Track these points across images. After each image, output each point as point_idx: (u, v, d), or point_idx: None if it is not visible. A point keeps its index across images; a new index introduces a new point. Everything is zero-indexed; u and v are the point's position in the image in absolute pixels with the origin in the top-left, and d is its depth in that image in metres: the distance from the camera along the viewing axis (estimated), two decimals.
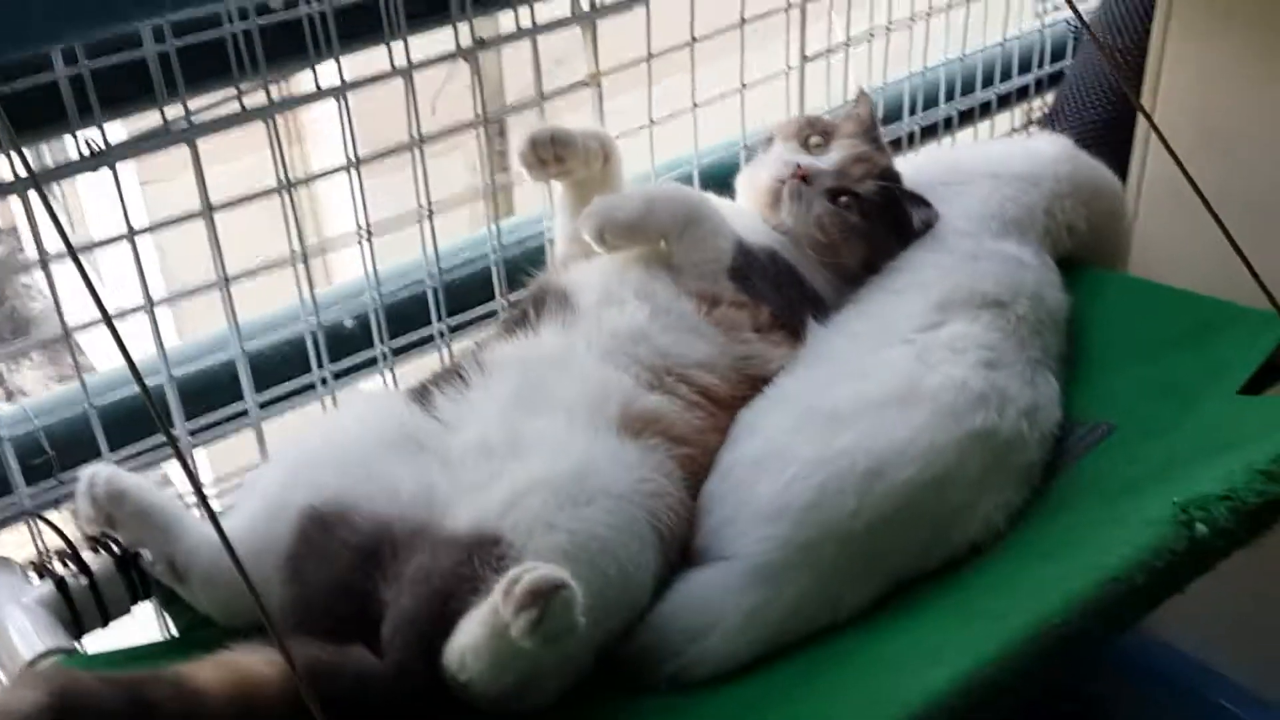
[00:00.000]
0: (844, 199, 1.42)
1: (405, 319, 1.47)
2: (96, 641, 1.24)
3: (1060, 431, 1.32)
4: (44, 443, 1.28)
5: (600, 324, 1.27)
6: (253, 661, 1.03)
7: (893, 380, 1.25)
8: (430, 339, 1.48)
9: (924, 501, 1.17)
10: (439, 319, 1.47)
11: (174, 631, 1.24)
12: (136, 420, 1.31)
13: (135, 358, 1.28)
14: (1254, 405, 1.29)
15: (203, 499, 1.00)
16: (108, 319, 0.97)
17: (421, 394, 1.25)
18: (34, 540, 1.28)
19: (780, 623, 1.12)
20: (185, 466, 0.98)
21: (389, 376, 1.46)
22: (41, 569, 1.25)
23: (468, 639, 1.00)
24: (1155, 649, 1.90)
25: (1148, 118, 1.52)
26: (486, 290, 1.52)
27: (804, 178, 1.42)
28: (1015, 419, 1.25)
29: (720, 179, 1.63)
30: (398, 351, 1.46)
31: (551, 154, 1.36)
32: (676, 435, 1.21)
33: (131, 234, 1.19)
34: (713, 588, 1.13)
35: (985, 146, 1.65)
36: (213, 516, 1.00)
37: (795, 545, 1.13)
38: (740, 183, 1.52)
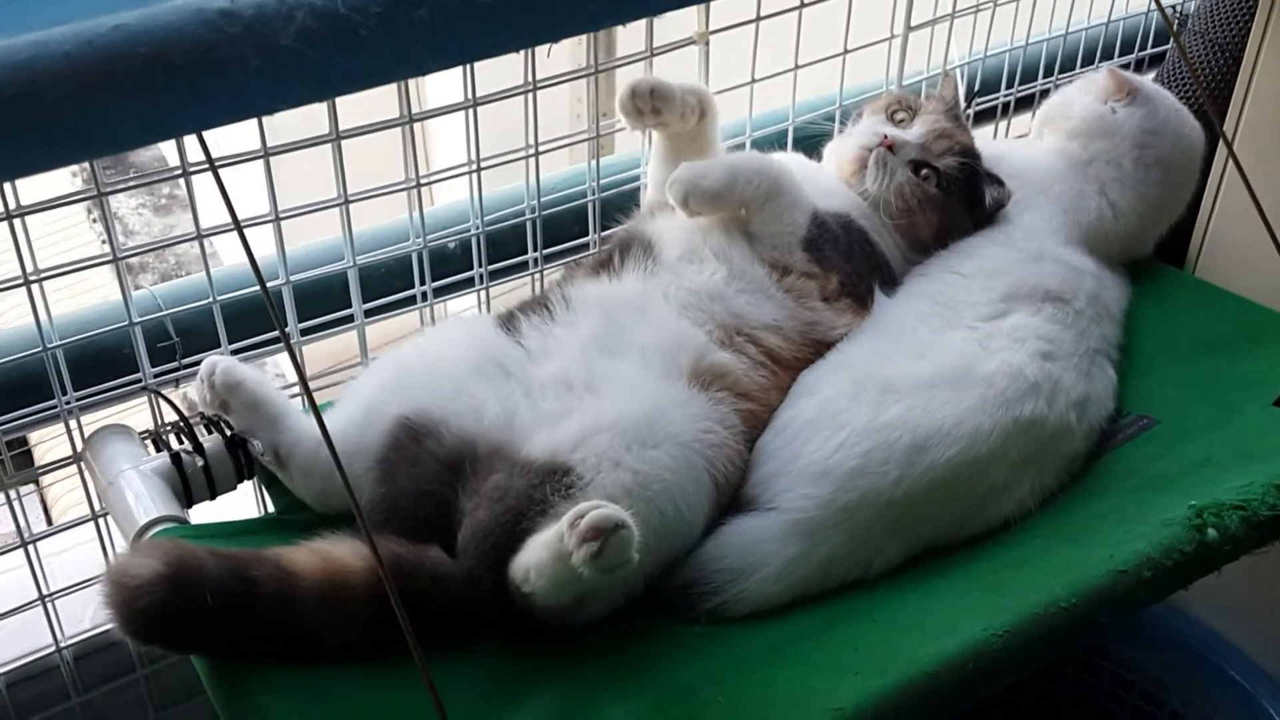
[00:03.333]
0: (925, 171, 1.50)
1: (503, 245, 1.58)
2: (201, 513, 1.38)
3: (1108, 424, 1.40)
4: (170, 328, 1.41)
5: (680, 278, 1.36)
6: (342, 552, 1.16)
7: (949, 362, 1.33)
8: (525, 265, 1.59)
9: (962, 480, 1.26)
10: (535, 249, 1.58)
11: (272, 510, 1.37)
12: (254, 315, 1.44)
13: (262, 257, 1.42)
14: None
15: (310, 398, 1.12)
16: (239, 227, 1.07)
17: (510, 321, 1.35)
18: (153, 415, 1.42)
19: (813, 575, 1.23)
20: (296, 364, 1.09)
21: (484, 297, 1.57)
22: (158, 441, 1.40)
23: (533, 558, 1.12)
24: (1170, 613, 1.99)
25: (1225, 140, 1.56)
26: (581, 224, 1.62)
27: (889, 147, 1.50)
28: (1064, 410, 1.33)
29: (813, 139, 1.71)
30: (494, 275, 1.57)
31: (649, 105, 1.44)
32: (741, 391, 1.30)
33: (266, 154, 1.30)
34: (755, 536, 1.23)
35: (1068, 165, 1.64)
36: (318, 416, 1.12)
37: (836, 506, 1.23)
38: (828, 151, 1.60)
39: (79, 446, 1.40)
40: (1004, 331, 1.38)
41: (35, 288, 1.27)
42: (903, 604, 1.19)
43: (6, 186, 1.19)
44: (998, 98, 1.95)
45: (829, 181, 1.53)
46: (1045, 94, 1.98)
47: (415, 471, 1.24)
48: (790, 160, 1.56)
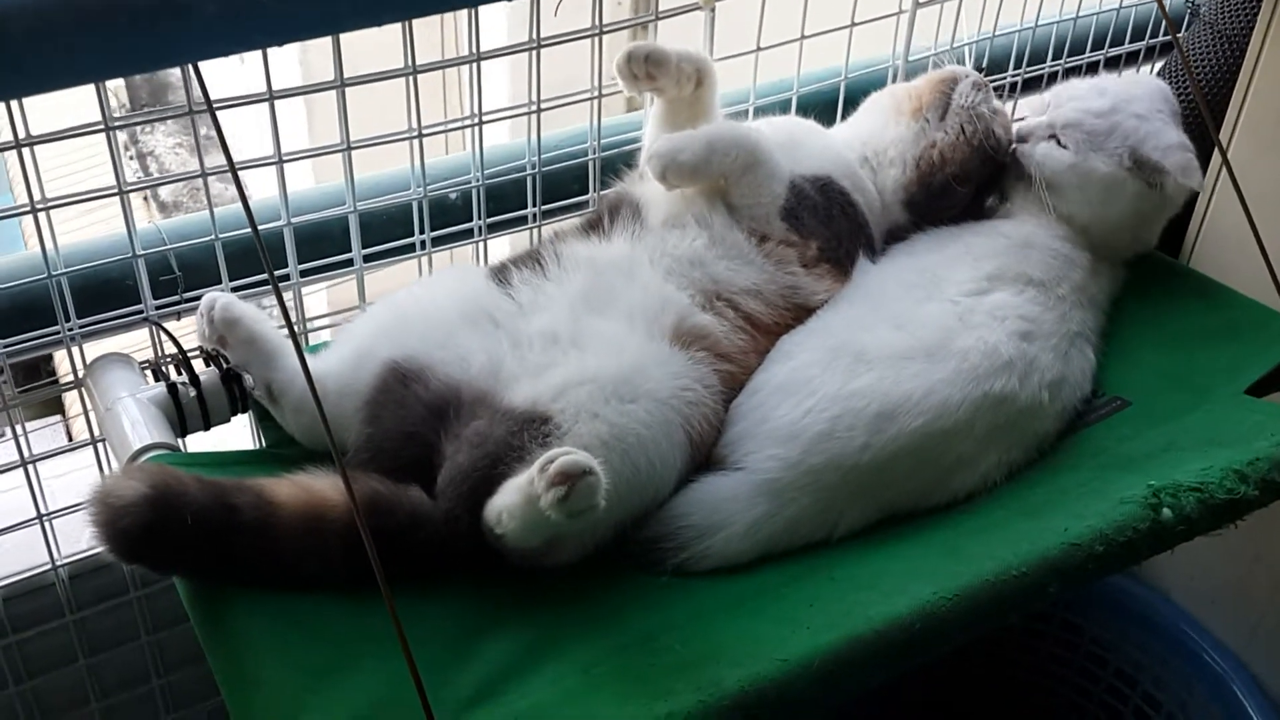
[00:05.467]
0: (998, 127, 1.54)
1: (504, 199, 1.61)
2: (195, 442, 1.43)
3: (1083, 405, 1.43)
4: (173, 263, 1.45)
5: (664, 244, 1.40)
6: (323, 487, 1.20)
7: (926, 334, 1.36)
8: (524, 220, 1.63)
9: (928, 450, 1.29)
10: (534, 204, 1.61)
11: (263, 444, 1.42)
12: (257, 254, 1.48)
13: (267, 198, 1.46)
14: (1253, 407, 1.39)
15: (294, 338, 1.16)
16: (233, 169, 1.11)
17: (502, 273, 1.39)
18: (154, 346, 1.46)
19: (778, 534, 1.26)
20: (281, 303, 1.13)
21: (482, 249, 1.61)
22: (157, 371, 1.44)
23: (506, 500, 1.16)
24: (1148, 595, 2.03)
25: (1220, 147, 1.57)
26: (582, 182, 1.65)
27: (985, 84, 1.56)
28: (1036, 390, 1.36)
29: (818, 107, 1.73)
30: (494, 228, 1.61)
31: (644, 71, 1.45)
32: (721, 352, 1.34)
33: (271, 97, 1.34)
34: (723, 495, 1.27)
35: None
36: (302, 358, 1.18)
37: (802, 468, 1.27)
38: (890, 86, 1.66)
39: (80, 372, 1.44)
40: (985, 308, 1.40)
41: (43, 216, 1.32)
42: (861, 564, 1.23)
43: (16, 117, 1.23)
44: (1005, 78, 1.96)
45: (819, 142, 1.55)
46: (1055, 76, 2.01)
47: (401, 414, 1.28)
48: (784, 122, 1.59)
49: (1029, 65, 1.97)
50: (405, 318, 1.36)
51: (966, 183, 1.53)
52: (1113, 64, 2.06)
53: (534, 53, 1.46)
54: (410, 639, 1.16)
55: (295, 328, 1.56)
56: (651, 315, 1.33)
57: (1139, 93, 1.57)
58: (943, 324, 1.38)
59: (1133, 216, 1.55)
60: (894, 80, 1.81)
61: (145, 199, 6.01)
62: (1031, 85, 2.00)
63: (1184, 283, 1.63)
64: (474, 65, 1.44)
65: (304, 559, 1.18)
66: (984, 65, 1.90)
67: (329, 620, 1.17)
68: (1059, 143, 1.54)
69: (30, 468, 1.46)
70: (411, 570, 1.20)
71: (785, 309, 1.40)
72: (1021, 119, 1.60)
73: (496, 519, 1.17)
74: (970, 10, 1.85)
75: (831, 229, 1.45)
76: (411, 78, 1.40)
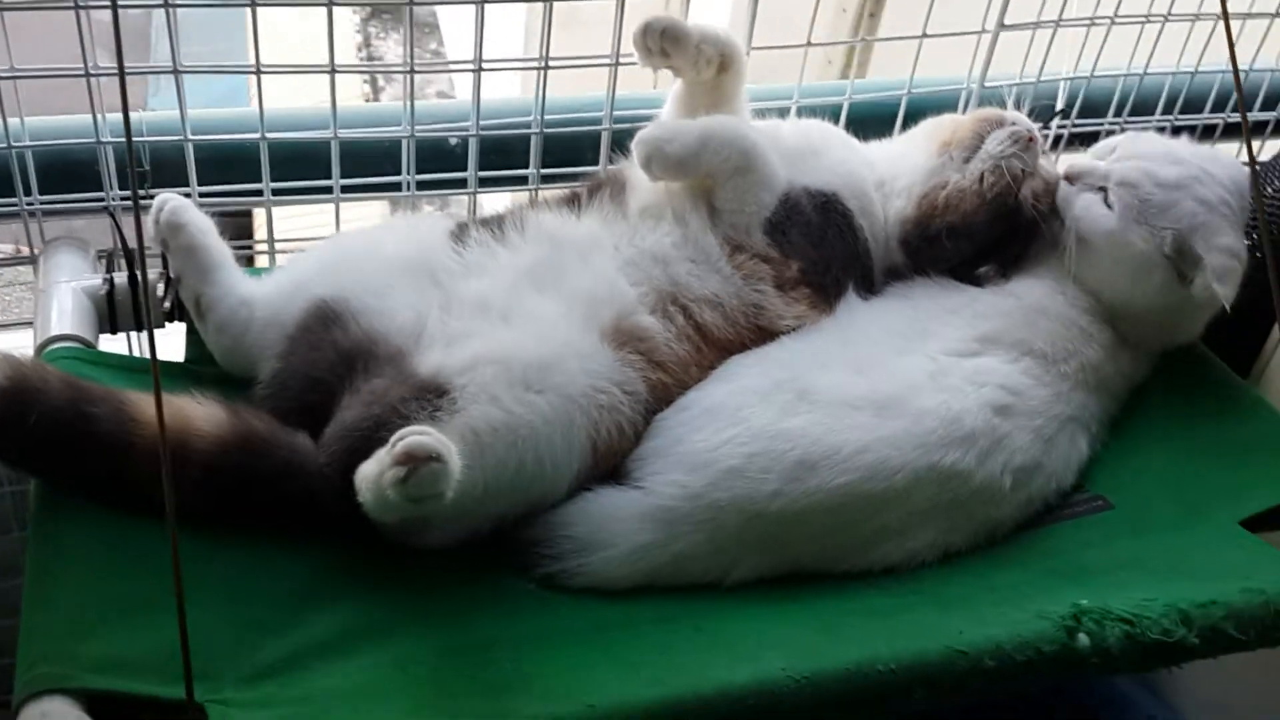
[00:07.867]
0: (1024, 188, 1.37)
1: (512, 154, 1.53)
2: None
3: (1057, 497, 1.29)
4: (144, 156, 1.41)
5: (633, 234, 1.30)
6: (196, 414, 1.14)
7: (885, 386, 1.23)
8: (525, 180, 1.54)
9: (850, 511, 1.17)
10: (534, 165, 1.53)
11: (185, 357, 1.35)
12: (230, 163, 1.44)
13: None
14: (1241, 542, 1.24)
15: (143, 259, 1.07)
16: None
17: (461, 232, 1.31)
18: (112, 237, 1.43)
19: (662, 567, 1.16)
20: (138, 222, 1.05)
21: (471, 202, 1.53)
22: (109, 263, 1.41)
23: (367, 469, 1.08)
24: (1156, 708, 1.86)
25: None
26: (598, 151, 1.55)
27: (1032, 139, 1.38)
28: (997, 472, 1.22)
29: (874, 121, 1.60)
30: (492, 183, 1.53)
31: (659, 46, 1.34)
32: (657, 359, 1.24)
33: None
34: (613, 513, 1.17)
35: None
36: (144, 278, 1.13)
37: (703, 502, 1.16)
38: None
39: (37, 249, 1.42)
40: (964, 371, 1.27)
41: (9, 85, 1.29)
42: (733, 620, 1.12)
43: None
44: (1102, 124, 1.78)
45: (839, 155, 1.42)
46: (1161, 131, 1.82)
47: (311, 356, 1.23)
48: (810, 126, 1.46)
49: (1130, 115, 1.79)
50: (349, 258, 1.30)
51: (964, 239, 1.37)
52: (1232, 131, 1.86)
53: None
54: (243, 591, 1.12)
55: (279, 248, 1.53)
56: (593, 305, 1.23)
57: (1215, 174, 1.37)
58: (909, 380, 1.25)
59: (1156, 303, 1.37)
60: (965, 106, 1.66)
61: (367, 98, 6.18)
62: None
63: (1223, 389, 1.44)
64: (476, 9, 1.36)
65: (156, 484, 1.11)
66: (1075, 107, 1.74)
67: (164, 556, 1.10)
68: (1106, 200, 1.37)
69: None
70: (278, 520, 1.14)
71: (745, 327, 1.29)
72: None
73: (359, 486, 1.09)
74: (1069, 44, 1.68)
75: (821, 252, 1.33)
76: (409, 8, 1.34)
